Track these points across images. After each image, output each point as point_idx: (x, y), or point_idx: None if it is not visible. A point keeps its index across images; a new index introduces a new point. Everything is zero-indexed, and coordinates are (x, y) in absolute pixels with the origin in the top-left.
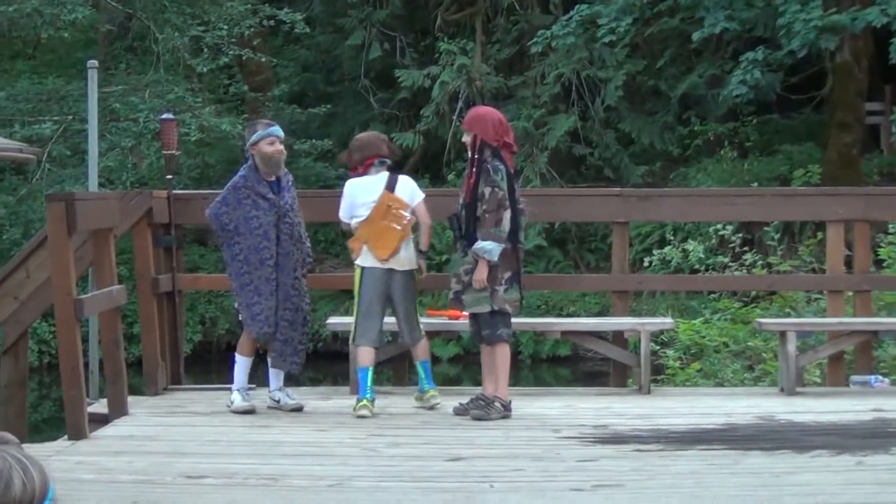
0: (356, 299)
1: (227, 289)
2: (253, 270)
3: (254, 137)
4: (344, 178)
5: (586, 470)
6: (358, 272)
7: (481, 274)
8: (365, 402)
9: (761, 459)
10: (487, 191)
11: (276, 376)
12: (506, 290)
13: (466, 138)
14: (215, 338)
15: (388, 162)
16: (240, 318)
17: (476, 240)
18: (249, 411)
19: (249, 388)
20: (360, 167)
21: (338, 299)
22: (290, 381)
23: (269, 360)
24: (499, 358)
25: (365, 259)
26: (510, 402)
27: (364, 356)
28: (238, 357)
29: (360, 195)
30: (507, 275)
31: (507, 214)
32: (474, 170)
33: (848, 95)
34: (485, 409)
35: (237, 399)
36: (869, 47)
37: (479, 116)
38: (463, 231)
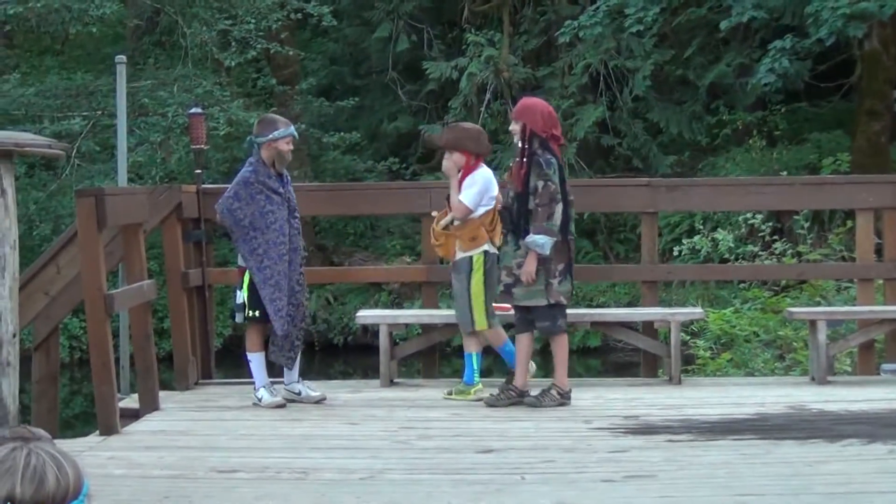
0: (478, 283)
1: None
2: (273, 265)
3: (276, 134)
4: (372, 171)
5: (618, 461)
6: (480, 258)
7: (530, 266)
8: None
9: (793, 449)
10: (540, 184)
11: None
12: (560, 282)
13: (514, 127)
14: (245, 332)
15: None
16: (249, 314)
17: (528, 233)
18: (281, 405)
19: (275, 383)
20: (474, 158)
21: (367, 292)
22: (321, 374)
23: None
24: (559, 349)
25: (487, 245)
26: (570, 390)
27: (502, 333)
28: (251, 355)
29: (491, 187)
30: (561, 267)
31: (559, 208)
32: (523, 160)
33: (876, 83)
34: (539, 398)
35: (265, 395)
36: None
37: (528, 106)
38: (514, 224)
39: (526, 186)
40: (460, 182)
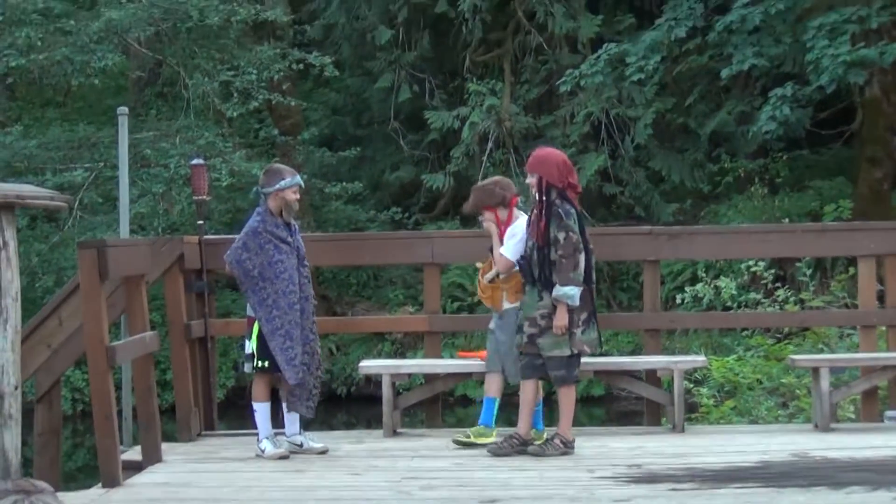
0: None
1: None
2: (283, 315)
3: (282, 184)
4: (374, 221)
5: None
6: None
7: (562, 320)
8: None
9: (797, 497)
10: (562, 235)
11: (293, 420)
12: (583, 331)
13: (531, 180)
14: (248, 383)
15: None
16: (258, 364)
17: (552, 284)
18: (284, 457)
19: (277, 433)
20: (504, 206)
21: (370, 342)
22: (323, 424)
23: (284, 403)
24: (567, 398)
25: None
26: (574, 440)
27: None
28: (257, 405)
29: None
30: (584, 316)
31: (582, 257)
32: (543, 213)
33: (878, 130)
34: (542, 447)
35: (268, 446)
36: None
37: (542, 158)
38: (536, 274)
39: (546, 238)
40: (501, 235)
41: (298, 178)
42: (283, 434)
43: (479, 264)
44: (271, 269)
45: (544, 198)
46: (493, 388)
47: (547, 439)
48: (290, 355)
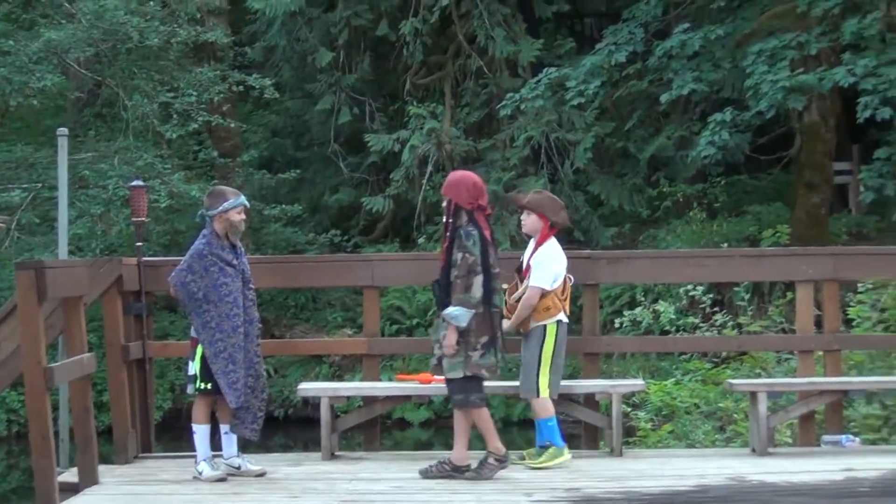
0: (548, 351)
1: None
2: (226, 338)
3: (226, 205)
4: (313, 243)
5: None
6: (553, 327)
7: (451, 340)
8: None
9: None
10: (459, 256)
11: (230, 442)
12: (482, 355)
13: (444, 203)
14: (185, 405)
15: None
16: (200, 386)
17: (447, 305)
18: (222, 479)
19: (215, 456)
20: (549, 226)
21: (307, 365)
22: (260, 447)
23: (227, 426)
24: (478, 422)
25: (561, 314)
26: (506, 452)
27: (553, 407)
28: (196, 427)
29: (560, 262)
30: (484, 340)
31: (479, 280)
32: (448, 234)
33: (816, 155)
34: (478, 471)
35: (206, 469)
36: (836, 107)
37: (454, 181)
38: (440, 297)
39: (448, 259)
40: (538, 244)
41: (243, 199)
42: (221, 456)
43: (504, 285)
44: (216, 292)
45: (450, 220)
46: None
47: (480, 461)
48: (233, 379)
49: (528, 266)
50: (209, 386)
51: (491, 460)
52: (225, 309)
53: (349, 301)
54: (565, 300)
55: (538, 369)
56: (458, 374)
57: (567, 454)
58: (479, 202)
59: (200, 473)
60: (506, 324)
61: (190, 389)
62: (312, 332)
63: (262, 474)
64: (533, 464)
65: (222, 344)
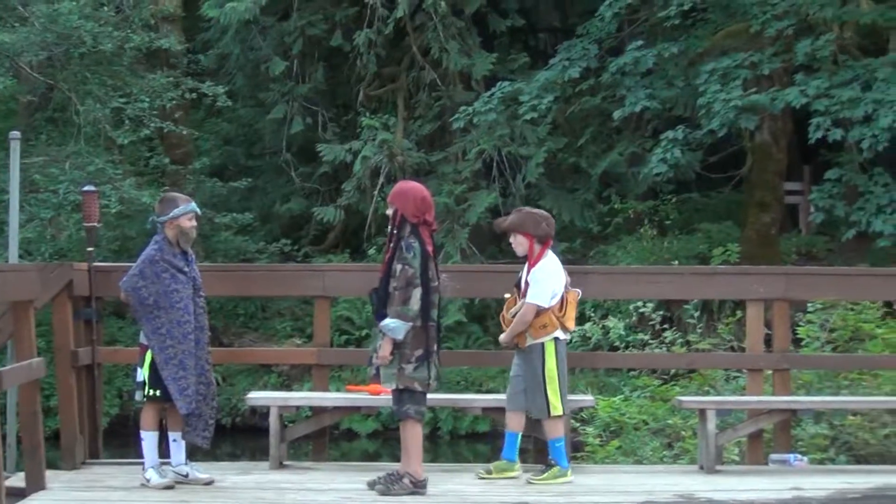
0: (552, 370)
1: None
2: (176, 344)
3: (176, 212)
4: (263, 252)
5: None
6: (551, 344)
7: (384, 351)
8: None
9: None
10: (398, 268)
11: (179, 449)
12: (415, 367)
13: (389, 211)
14: (132, 412)
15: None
16: (150, 393)
17: (385, 316)
18: (169, 487)
19: (164, 464)
20: (539, 242)
21: (256, 374)
22: (208, 455)
23: (176, 433)
24: (408, 435)
25: (558, 332)
26: (426, 479)
27: (563, 427)
28: (145, 433)
29: (558, 279)
30: (418, 353)
31: (417, 293)
32: (391, 245)
33: (767, 175)
34: (388, 485)
35: (154, 476)
36: (788, 127)
37: (402, 192)
38: (378, 307)
39: (388, 270)
40: (530, 265)
41: (193, 205)
42: (169, 464)
43: (507, 295)
44: (167, 299)
45: (395, 231)
46: (514, 423)
47: (395, 475)
48: (183, 385)
49: (527, 283)
50: (158, 392)
51: (406, 481)
52: (176, 315)
53: (298, 311)
54: (564, 316)
55: (545, 389)
56: (393, 386)
57: (570, 476)
58: (424, 217)
59: (148, 481)
60: (503, 336)
61: (138, 396)
62: (261, 340)
63: (210, 483)
64: (536, 480)
65: (173, 350)
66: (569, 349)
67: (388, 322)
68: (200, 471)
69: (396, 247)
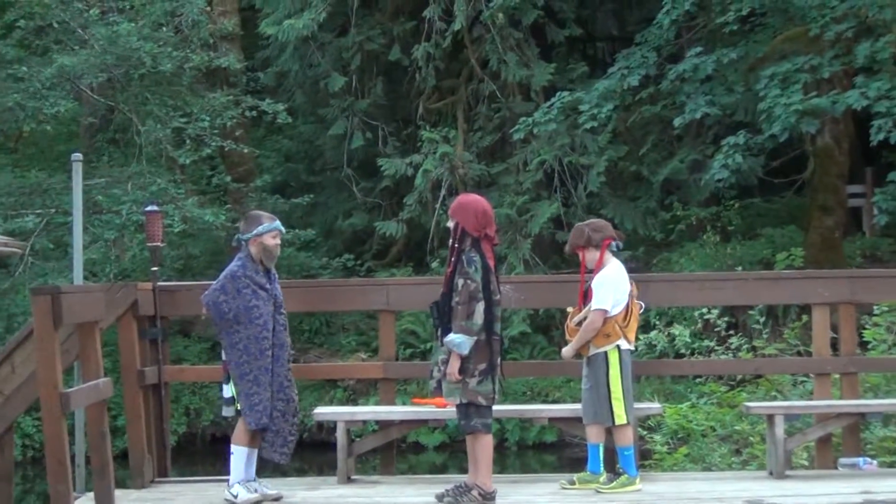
0: (615, 378)
1: (214, 380)
2: (252, 360)
3: (260, 229)
4: (327, 268)
5: None
6: (614, 353)
7: (453, 367)
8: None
9: None
10: (460, 282)
11: (250, 465)
12: (479, 381)
13: (450, 224)
14: (200, 429)
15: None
16: (239, 408)
17: (449, 331)
18: (258, 503)
19: (249, 481)
20: (593, 247)
21: (322, 389)
22: (276, 471)
23: (258, 450)
24: (477, 447)
25: (621, 340)
26: (494, 491)
27: (632, 435)
28: (236, 448)
29: (623, 287)
30: (482, 367)
31: (480, 307)
32: (452, 259)
33: (829, 178)
34: (457, 497)
35: (242, 492)
36: (850, 130)
37: (463, 205)
38: (439, 321)
39: (451, 284)
40: (582, 274)
41: (277, 224)
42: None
43: (569, 308)
44: (246, 314)
45: (456, 244)
46: (593, 435)
47: (464, 487)
48: (255, 401)
49: (590, 290)
50: None
51: (475, 493)
52: (254, 331)
53: (363, 325)
54: (627, 327)
55: (609, 397)
56: (457, 400)
57: (638, 484)
58: (486, 230)
59: (235, 497)
60: (566, 349)
61: (226, 411)
62: (326, 356)
63: (278, 498)
64: (605, 489)
65: (248, 367)
66: (635, 358)
67: (454, 337)
68: (269, 487)
69: (457, 261)
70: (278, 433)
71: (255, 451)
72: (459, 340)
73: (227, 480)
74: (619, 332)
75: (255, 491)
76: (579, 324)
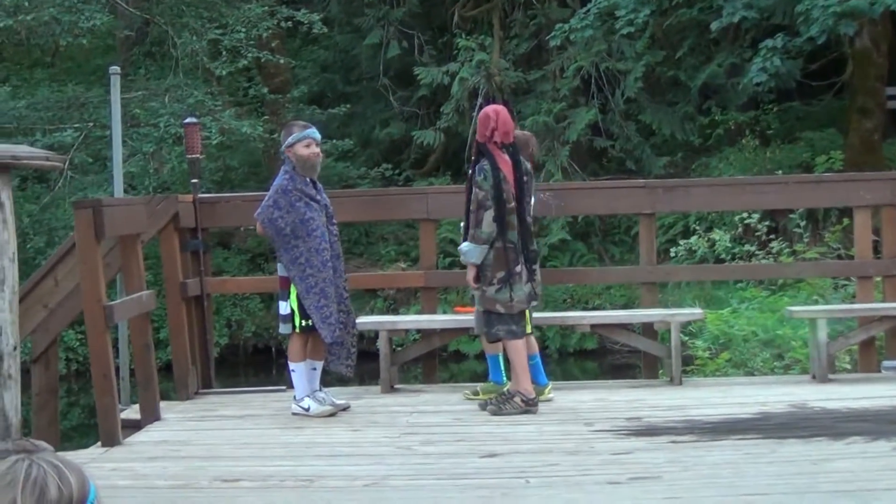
0: None
1: (255, 291)
2: (316, 273)
3: (290, 140)
4: (365, 178)
5: (621, 463)
6: None
7: (469, 275)
8: None
9: (797, 447)
10: (474, 192)
11: (315, 378)
12: (498, 290)
13: None
14: (242, 341)
15: None
16: (302, 324)
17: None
18: (331, 414)
19: (315, 391)
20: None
21: (362, 299)
22: (320, 381)
23: (319, 363)
24: (510, 354)
25: None
26: (536, 397)
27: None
28: (295, 365)
29: None
30: (500, 275)
31: (488, 215)
32: (471, 171)
33: (868, 81)
34: (500, 405)
35: (313, 404)
36: (888, 32)
37: (479, 119)
38: (465, 231)
39: (469, 196)
40: None
41: (310, 131)
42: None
43: None
44: (303, 227)
45: (473, 157)
46: (489, 346)
47: (506, 396)
48: (326, 314)
49: None
50: (310, 323)
51: (518, 399)
52: (313, 244)
53: (402, 235)
54: None
55: None
56: (479, 308)
57: (549, 393)
58: (494, 137)
59: (307, 409)
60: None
61: (284, 329)
62: (366, 266)
63: (347, 408)
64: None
65: (313, 279)
66: (674, 263)
67: (462, 246)
68: (337, 397)
69: (472, 171)
70: (343, 345)
71: (314, 363)
72: (466, 248)
73: (292, 394)
74: None
75: (325, 402)
76: None
